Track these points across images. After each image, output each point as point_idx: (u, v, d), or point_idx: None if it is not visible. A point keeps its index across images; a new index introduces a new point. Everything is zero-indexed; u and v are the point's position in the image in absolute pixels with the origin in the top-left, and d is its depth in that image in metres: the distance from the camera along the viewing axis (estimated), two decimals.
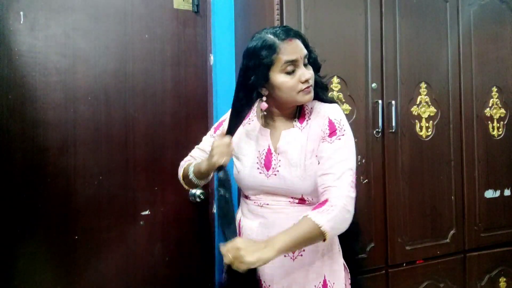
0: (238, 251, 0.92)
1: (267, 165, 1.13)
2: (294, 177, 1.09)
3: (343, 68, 1.53)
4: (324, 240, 0.98)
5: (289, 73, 1.06)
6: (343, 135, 1.08)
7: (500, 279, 1.90)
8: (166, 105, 1.66)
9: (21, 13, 1.42)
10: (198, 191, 1.69)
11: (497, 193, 1.90)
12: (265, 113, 1.16)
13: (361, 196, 1.54)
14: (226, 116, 1.30)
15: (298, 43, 1.07)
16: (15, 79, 1.41)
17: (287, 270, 1.11)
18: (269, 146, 1.15)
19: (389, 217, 1.62)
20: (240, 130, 1.20)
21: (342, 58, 1.53)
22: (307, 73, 1.07)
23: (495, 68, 1.92)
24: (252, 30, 1.62)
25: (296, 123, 1.15)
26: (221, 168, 1.09)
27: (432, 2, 1.74)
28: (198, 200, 1.69)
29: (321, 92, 1.17)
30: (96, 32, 1.54)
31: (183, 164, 1.29)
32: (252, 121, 1.22)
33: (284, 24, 1.41)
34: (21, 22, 1.42)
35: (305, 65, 1.09)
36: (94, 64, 1.53)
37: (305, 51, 1.08)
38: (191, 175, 1.18)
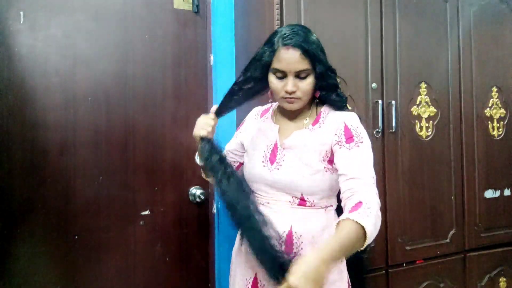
0: None
1: (272, 159, 1.14)
2: (295, 174, 1.09)
3: (343, 68, 1.53)
4: (362, 245, 0.91)
5: (279, 78, 1.08)
6: (361, 142, 1.07)
7: (500, 279, 1.90)
8: (166, 105, 1.66)
9: (21, 13, 1.42)
10: (198, 191, 1.69)
11: (497, 193, 1.90)
12: (270, 101, 1.24)
13: None
14: (248, 117, 1.34)
15: (294, 54, 1.04)
16: (15, 80, 1.41)
17: None
18: (276, 141, 1.16)
19: (389, 217, 1.62)
20: (255, 126, 1.26)
21: (342, 58, 1.53)
22: (291, 86, 1.06)
23: (495, 68, 1.92)
24: (252, 30, 1.63)
25: (309, 126, 1.15)
26: (204, 139, 1.13)
27: (432, 2, 1.74)
28: (198, 200, 1.69)
29: (332, 94, 1.15)
30: (96, 33, 1.54)
31: None
32: (267, 118, 1.25)
33: (285, 24, 1.41)
34: (21, 23, 1.42)
35: (302, 77, 1.07)
36: (94, 65, 1.53)
37: (298, 67, 1.05)
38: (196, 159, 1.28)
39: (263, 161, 1.16)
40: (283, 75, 1.07)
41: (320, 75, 1.08)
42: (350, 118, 1.12)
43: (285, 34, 1.07)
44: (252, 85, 1.14)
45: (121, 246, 1.57)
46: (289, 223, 1.10)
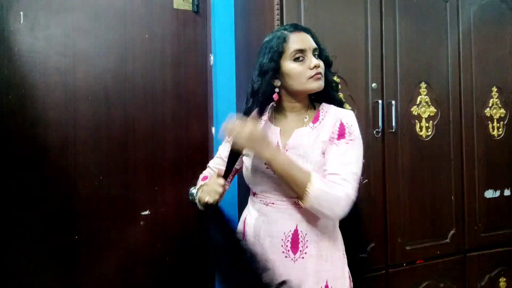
0: (246, 131, 1.02)
1: None
2: None
3: (343, 68, 1.53)
4: (302, 200, 1.02)
5: (298, 60, 1.11)
6: (351, 139, 1.10)
7: (500, 279, 1.90)
8: (166, 105, 1.66)
9: (21, 13, 1.42)
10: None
11: (497, 193, 1.90)
12: (274, 104, 1.21)
13: (361, 196, 1.53)
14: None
15: (307, 36, 1.14)
16: (15, 79, 1.41)
17: (286, 270, 1.11)
18: (278, 143, 1.16)
19: (389, 217, 1.62)
20: None
21: (342, 58, 1.53)
22: (316, 60, 1.11)
23: (495, 68, 1.92)
24: (252, 30, 1.62)
25: (309, 124, 1.16)
26: (210, 206, 1.11)
27: (432, 2, 1.74)
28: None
29: (331, 91, 1.20)
30: (96, 32, 1.54)
31: (200, 177, 1.34)
32: (263, 121, 1.24)
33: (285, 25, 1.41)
34: (21, 22, 1.42)
35: (315, 57, 1.13)
36: (94, 64, 1.53)
37: (314, 44, 1.14)
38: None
39: (265, 163, 1.15)
40: (302, 55, 1.11)
41: (324, 60, 1.16)
42: (347, 116, 1.14)
43: (286, 27, 1.15)
44: (271, 80, 1.13)
45: (121, 246, 1.57)
46: (295, 222, 1.11)
